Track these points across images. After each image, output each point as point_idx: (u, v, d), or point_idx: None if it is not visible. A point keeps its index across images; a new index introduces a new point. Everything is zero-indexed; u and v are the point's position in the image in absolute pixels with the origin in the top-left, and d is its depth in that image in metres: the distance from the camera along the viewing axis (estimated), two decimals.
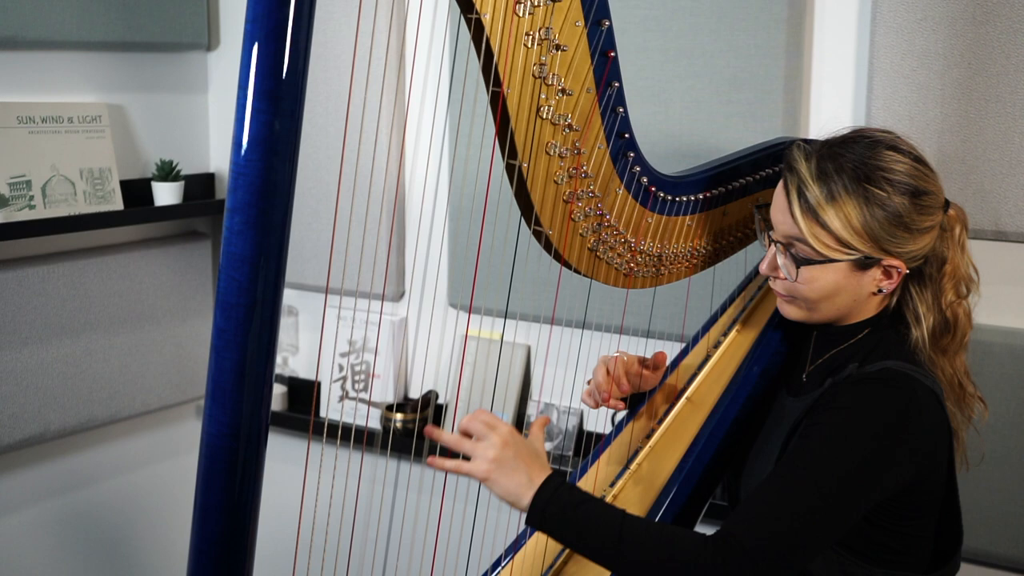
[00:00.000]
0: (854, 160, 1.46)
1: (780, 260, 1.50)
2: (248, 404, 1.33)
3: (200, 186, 3.05)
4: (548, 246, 1.57)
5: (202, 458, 1.35)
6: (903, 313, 1.55)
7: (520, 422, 2.69)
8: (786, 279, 1.50)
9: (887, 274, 1.49)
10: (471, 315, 2.70)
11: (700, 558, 1.34)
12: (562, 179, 1.52)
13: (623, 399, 1.74)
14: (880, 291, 1.50)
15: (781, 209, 1.49)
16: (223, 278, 1.31)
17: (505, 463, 1.41)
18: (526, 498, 1.40)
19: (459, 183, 2.59)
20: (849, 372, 1.48)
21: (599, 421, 2.58)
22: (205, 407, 1.34)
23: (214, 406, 1.33)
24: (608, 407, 1.73)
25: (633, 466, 1.66)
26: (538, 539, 1.64)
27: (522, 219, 1.54)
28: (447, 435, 1.46)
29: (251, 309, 1.31)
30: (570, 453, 2.59)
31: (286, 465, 2.84)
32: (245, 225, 1.29)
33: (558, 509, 1.39)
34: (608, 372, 1.71)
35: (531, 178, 1.50)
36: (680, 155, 2.16)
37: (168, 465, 3.13)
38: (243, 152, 1.29)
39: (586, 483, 1.68)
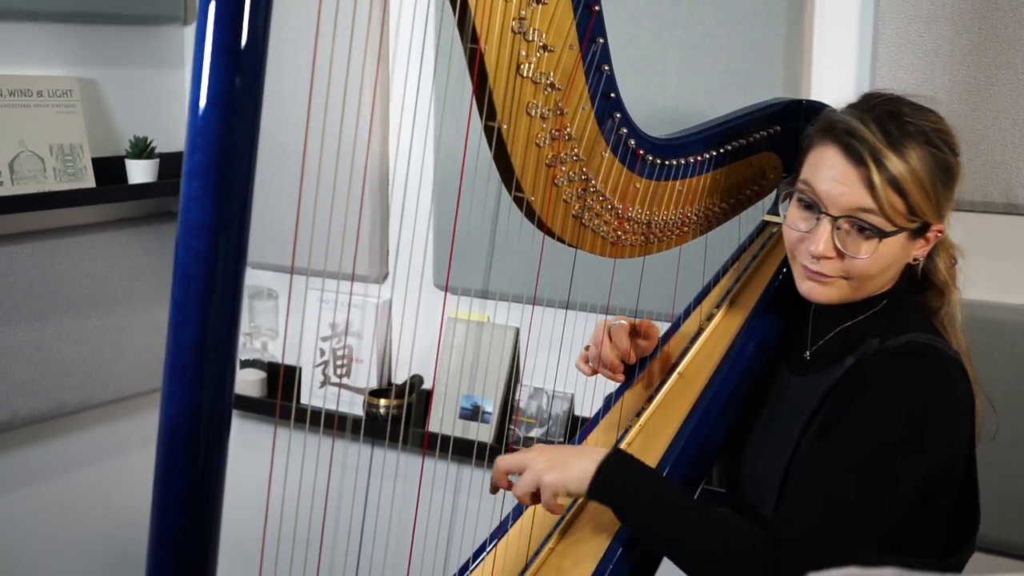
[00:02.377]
0: (912, 122, 1.41)
1: (842, 238, 1.42)
2: (210, 384, 1.27)
3: (176, 164, 2.97)
4: (530, 213, 1.52)
5: (160, 443, 1.29)
6: (922, 282, 1.52)
7: (508, 408, 2.64)
8: (845, 258, 1.42)
9: (926, 241, 1.46)
10: (450, 296, 2.67)
11: (752, 549, 1.33)
12: (544, 141, 1.47)
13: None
14: (916, 260, 1.47)
15: (842, 179, 1.41)
16: (180, 248, 1.25)
17: (554, 462, 1.44)
18: (591, 469, 1.42)
19: (446, 158, 2.54)
20: (873, 348, 1.44)
21: (591, 405, 2.52)
22: (163, 387, 1.28)
23: (172, 386, 1.27)
24: (609, 377, 1.69)
25: (623, 446, 1.61)
26: (522, 526, 1.59)
27: (505, 189, 1.49)
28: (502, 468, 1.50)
29: (211, 280, 1.25)
30: (561, 439, 2.54)
31: (267, 455, 2.80)
32: (203, 190, 1.24)
33: (621, 481, 1.41)
34: (611, 339, 1.68)
35: (511, 140, 1.44)
36: (674, 128, 2.10)
37: (143, 454, 3.07)
38: (200, 112, 1.23)
39: None
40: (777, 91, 2.14)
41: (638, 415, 1.65)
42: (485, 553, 1.59)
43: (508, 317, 2.62)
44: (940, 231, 1.45)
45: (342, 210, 2.61)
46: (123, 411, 3.03)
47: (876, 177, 1.38)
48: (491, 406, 2.61)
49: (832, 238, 1.42)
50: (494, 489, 1.52)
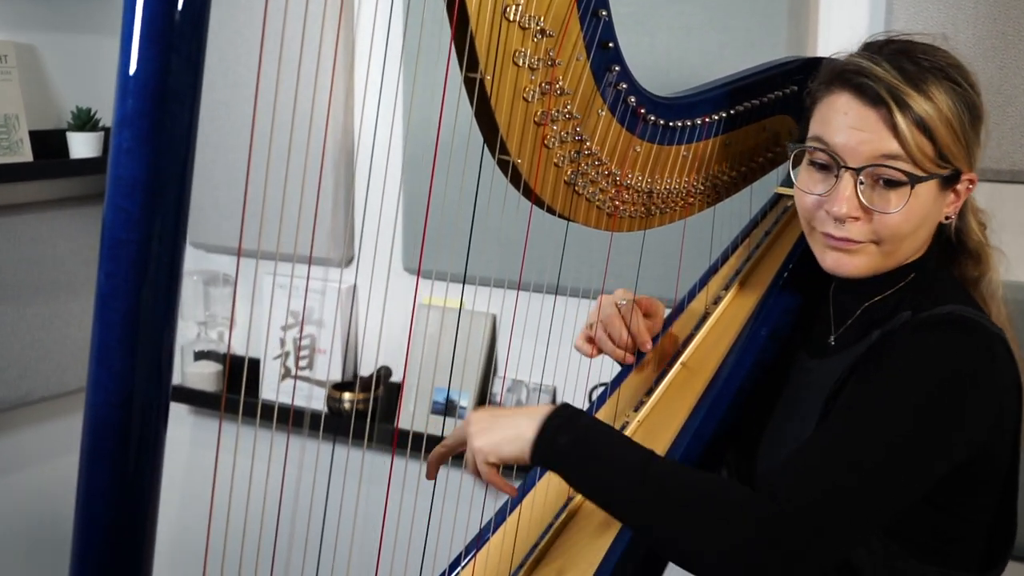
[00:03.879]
0: (927, 58, 1.28)
1: (866, 195, 1.27)
2: (143, 367, 1.11)
3: None
4: (516, 179, 1.36)
5: (85, 434, 1.13)
6: (957, 250, 1.39)
7: (485, 400, 2.48)
8: (875, 215, 1.27)
9: (956, 195, 1.32)
10: (421, 280, 2.52)
11: (736, 515, 1.15)
12: (533, 96, 1.32)
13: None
14: (947, 218, 1.33)
15: (862, 126, 1.26)
16: (109, 208, 1.09)
17: (486, 424, 1.28)
18: (532, 430, 1.24)
19: (417, 127, 2.37)
20: (903, 320, 1.29)
21: (574, 398, 2.37)
22: (88, 372, 1.12)
23: (99, 369, 1.11)
24: (618, 359, 1.56)
25: None
26: (504, 533, 1.44)
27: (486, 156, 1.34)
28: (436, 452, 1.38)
29: (145, 246, 1.09)
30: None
31: (225, 455, 2.63)
32: (136, 141, 1.08)
33: (569, 442, 1.23)
34: (623, 320, 1.54)
35: (495, 94, 1.29)
36: (667, 91, 1.96)
37: None
38: (133, 50, 1.08)
39: None
40: (780, 51, 2.00)
41: (636, 409, 1.49)
42: (462, 565, 1.44)
43: (489, 303, 2.47)
44: (972, 181, 1.32)
45: (302, 187, 2.45)
46: (65, 408, 2.88)
47: (899, 117, 1.24)
48: (466, 400, 2.45)
49: (856, 194, 1.27)
50: (429, 476, 1.39)
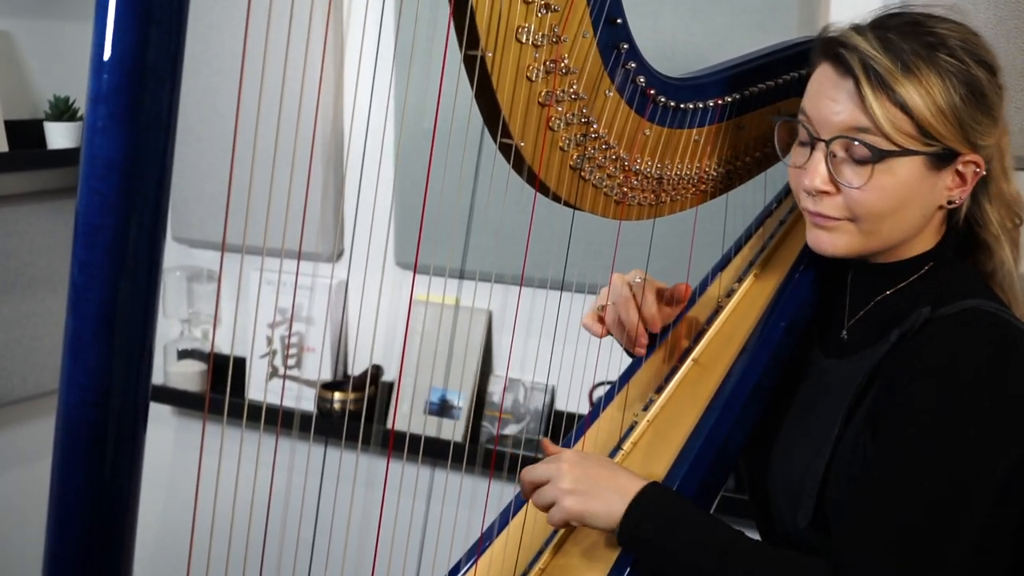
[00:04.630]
0: (917, 29, 1.24)
1: (837, 168, 1.25)
2: (120, 362, 1.05)
3: None
4: (519, 164, 1.30)
5: (58, 433, 1.06)
6: (971, 241, 1.33)
7: (480, 400, 2.42)
8: (844, 190, 1.25)
9: (960, 178, 1.26)
10: (414, 275, 2.46)
11: None
12: (537, 74, 1.26)
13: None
14: (950, 203, 1.28)
15: (835, 96, 1.24)
16: (83, 191, 1.03)
17: (583, 488, 1.26)
18: (620, 511, 1.24)
19: (411, 114, 2.31)
20: (923, 318, 1.23)
21: (572, 398, 2.31)
22: (62, 367, 1.05)
23: (73, 365, 1.04)
24: (627, 346, 1.50)
25: (627, 446, 1.40)
26: (508, 539, 1.37)
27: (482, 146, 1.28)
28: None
29: (122, 232, 1.02)
30: (540, 436, 2.33)
31: (210, 457, 2.56)
32: (112, 119, 1.02)
33: (654, 530, 1.23)
34: (634, 299, 1.49)
35: (496, 72, 1.23)
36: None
37: None
38: (109, 20, 1.01)
39: None
40: (791, 32, 1.94)
41: (645, 408, 1.43)
42: (464, 571, 1.38)
43: (489, 300, 2.42)
44: (978, 164, 1.26)
45: (290, 179, 2.38)
46: (41, 409, 2.81)
47: (867, 89, 1.21)
48: (462, 400, 2.39)
49: (827, 167, 1.25)
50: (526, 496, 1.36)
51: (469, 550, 1.40)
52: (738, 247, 1.56)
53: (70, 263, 1.07)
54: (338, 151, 2.56)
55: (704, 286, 1.55)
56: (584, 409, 2.26)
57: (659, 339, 1.50)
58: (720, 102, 1.41)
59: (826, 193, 1.26)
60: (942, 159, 1.24)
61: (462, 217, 2.22)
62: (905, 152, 1.22)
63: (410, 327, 2.48)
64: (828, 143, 1.25)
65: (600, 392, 2.28)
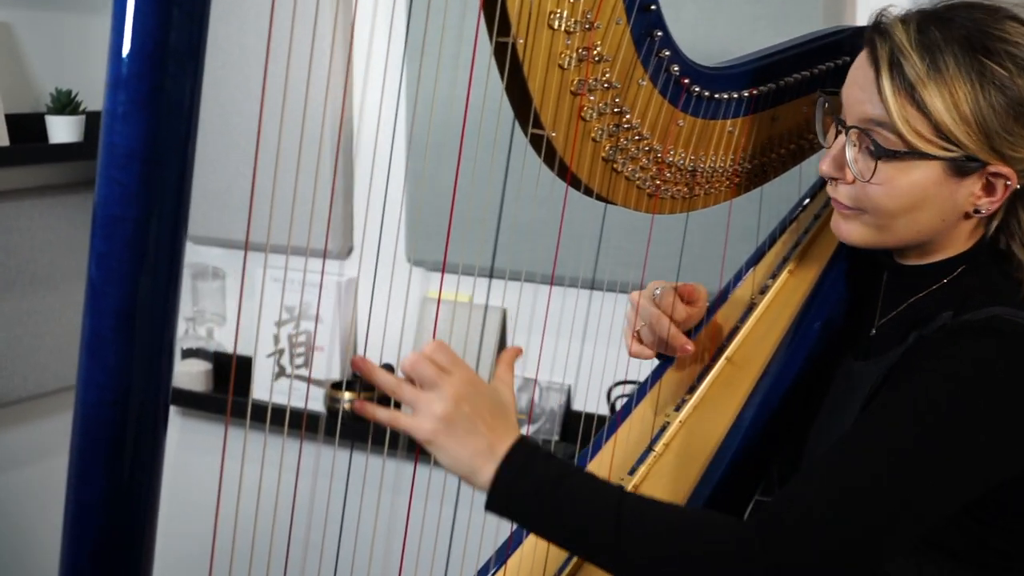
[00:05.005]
0: (968, 26, 1.17)
1: (850, 154, 1.21)
2: (140, 360, 1.01)
3: None
4: (550, 156, 1.27)
5: (75, 437, 1.03)
6: (1005, 248, 1.26)
7: None
8: (855, 181, 1.21)
9: (989, 189, 1.20)
10: (426, 272, 2.44)
11: (730, 545, 1.07)
12: (569, 62, 1.22)
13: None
14: (976, 212, 1.21)
15: (862, 84, 1.20)
16: (102, 182, 0.99)
17: (456, 422, 1.11)
18: (485, 472, 1.11)
19: (423, 110, 2.27)
20: (942, 322, 1.19)
21: (589, 399, 2.27)
22: (80, 366, 1.02)
23: (91, 364, 1.01)
24: (673, 353, 1.45)
25: (659, 447, 1.37)
26: (536, 544, 1.34)
27: (521, 149, 1.24)
28: (381, 377, 1.18)
29: (143, 225, 0.99)
30: (556, 438, 2.29)
31: (211, 458, 2.53)
32: (134, 104, 0.99)
33: (529, 488, 1.11)
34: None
35: (528, 60, 1.20)
36: None
37: (65, 461, 2.79)
38: (130, 3, 0.98)
39: (596, 470, 1.37)
40: (816, 24, 1.90)
41: (677, 408, 1.39)
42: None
43: (504, 297, 2.38)
44: (1005, 176, 1.18)
45: (296, 173, 2.34)
46: (43, 409, 2.76)
47: (885, 81, 1.17)
48: None
49: (842, 154, 1.23)
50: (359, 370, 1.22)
51: (499, 548, 1.37)
52: (772, 241, 1.52)
53: (88, 256, 1.04)
54: (347, 145, 2.52)
55: (738, 279, 1.51)
56: (603, 410, 2.22)
57: (691, 337, 1.47)
58: (755, 92, 1.38)
59: (840, 180, 1.24)
60: (964, 167, 1.18)
61: (475, 213, 2.18)
62: (918, 155, 1.17)
63: (422, 325, 2.45)
64: (848, 130, 1.22)
65: (619, 392, 2.24)
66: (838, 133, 1.24)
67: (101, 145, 0.99)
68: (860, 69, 1.22)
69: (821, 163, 1.26)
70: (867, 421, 1.15)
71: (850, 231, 1.25)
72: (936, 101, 1.15)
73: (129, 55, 0.97)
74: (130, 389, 1.01)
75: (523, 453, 1.12)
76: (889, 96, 1.16)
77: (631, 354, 1.47)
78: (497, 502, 1.11)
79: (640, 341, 1.46)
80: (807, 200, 1.55)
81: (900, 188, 1.19)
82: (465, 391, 1.13)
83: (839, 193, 1.25)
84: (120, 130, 0.99)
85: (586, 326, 2.26)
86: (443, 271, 2.37)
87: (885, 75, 1.17)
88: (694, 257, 1.62)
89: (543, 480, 1.11)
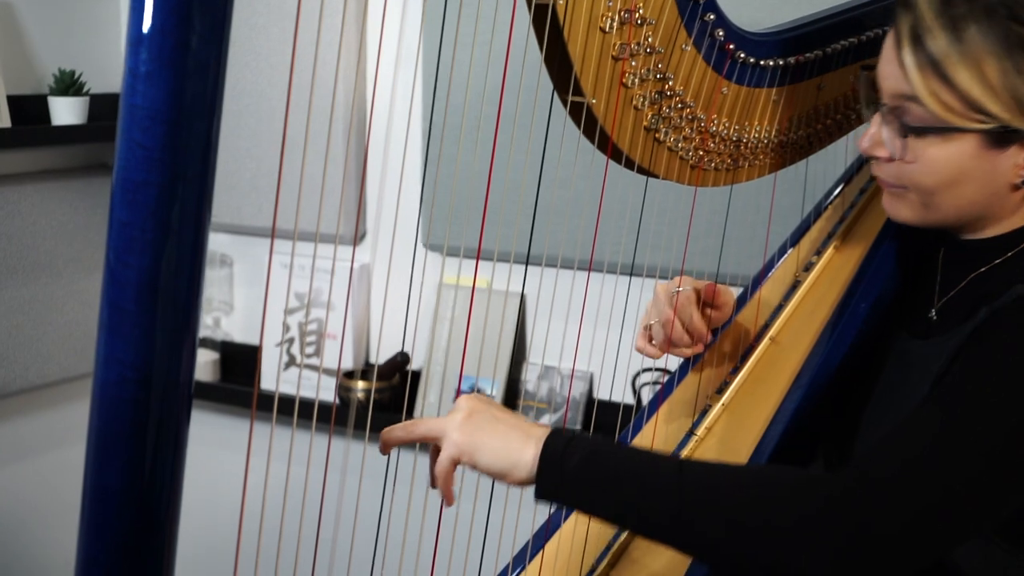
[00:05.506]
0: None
1: (885, 132, 1.18)
2: (163, 335, 0.95)
3: (110, 107, 2.66)
4: (591, 126, 1.22)
5: (94, 418, 0.97)
6: None
7: (514, 389, 2.33)
8: (891, 158, 1.18)
9: None
10: (441, 257, 2.37)
11: (808, 498, 1.02)
12: (610, 25, 1.17)
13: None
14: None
15: (888, 59, 1.17)
16: (123, 146, 0.93)
17: (480, 417, 1.12)
18: (527, 455, 1.08)
19: (441, 88, 2.21)
20: (1016, 295, 1.14)
21: (617, 388, 2.22)
22: (98, 343, 0.96)
23: (111, 340, 0.95)
24: (683, 355, 1.40)
25: (701, 431, 1.32)
26: (576, 525, 1.28)
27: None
28: (399, 431, 1.18)
29: (167, 190, 0.94)
30: (578, 427, 2.24)
31: (219, 451, 2.47)
32: (156, 63, 0.93)
33: (581, 460, 1.06)
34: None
35: (568, 22, 1.15)
36: None
37: (70, 453, 2.75)
38: None
39: None
40: None
41: (719, 391, 1.34)
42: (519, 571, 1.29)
43: (524, 283, 2.32)
44: None
45: (309, 156, 2.29)
46: (47, 400, 2.70)
47: (907, 55, 1.13)
48: (494, 389, 2.30)
49: (878, 132, 1.19)
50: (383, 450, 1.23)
51: (537, 531, 1.31)
52: (817, 213, 1.47)
53: (107, 225, 0.98)
54: (360, 126, 2.46)
55: (782, 256, 1.46)
56: (628, 398, 2.17)
57: (724, 325, 1.41)
58: (801, 59, 1.33)
59: (880, 157, 1.20)
60: (1002, 137, 1.13)
61: (495, 195, 2.13)
62: (951, 129, 1.12)
63: (439, 313, 2.39)
64: (881, 106, 1.18)
65: (645, 380, 2.19)
66: (875, 110, 1.20)
67: (122, 107, 0.94)
68: (887, 47, 1.18)
69: (860, 141, 1.22)
70: (953, 391, 1.10)
71: (898, 209, 1.22)
72: (963, 75, 1.10)
73: (153, 10, 0.92)
74: (153, 366, 0.95)
75: (563, 433, 1.09)
76: (914, 71, 1.12)
77: (637, 349, 1.43)
78: (547, 481, 1.07)
79: (650, 339, 1.41)
80: (853, 172, 1.50)
81: (937, 164, 1.15)
82: (476, 402, 1.14)
83: (882, 171, 1.21)
84: (142, 91, 0.93)
85: (611, 312, 2.21)
86: (463, 257, 2.32)
87: (907, 50, 1.13)
88: (732, 237, 1.57)
89: (593, 452, 1.07)
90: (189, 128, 0.93)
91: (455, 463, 1.11)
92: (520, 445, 1.08)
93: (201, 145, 0.95)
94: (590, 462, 1.06)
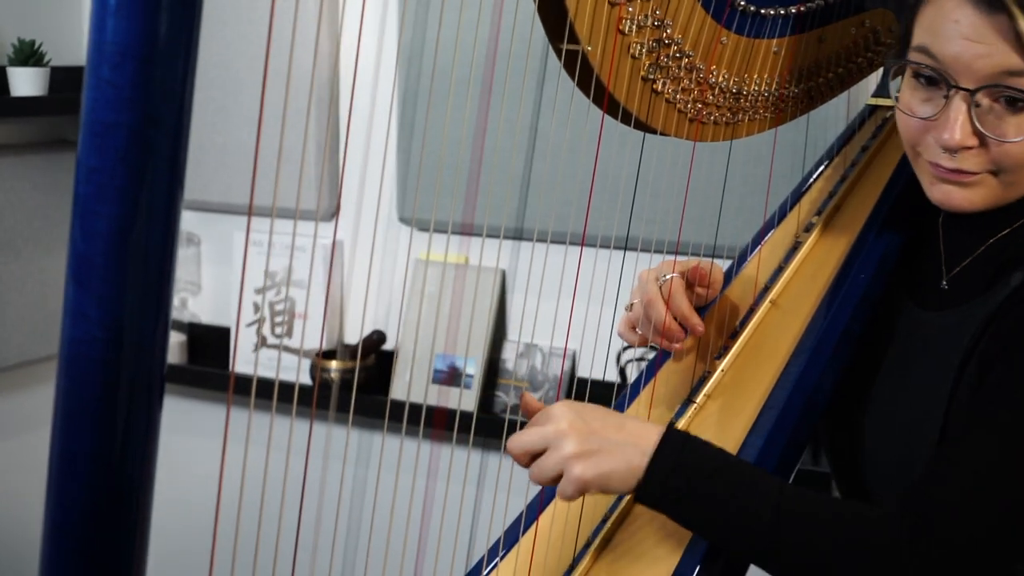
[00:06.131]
0: None
1: (982, 118, 1.09)
2: (135, 290, 0.89)
3: (72, 81, 2.58)
4: (586, 76, 1.16)
5: (61, 377, 0.91)
6: None
7: (494, 368, 2.28)
8: (990, 143, 1.09)
9: None
10: (418, 232, 2.30)
11: (885, 542, 1.03)
12: None
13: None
14: None
15: (986, 36, 1.07)
16: (90, 83, 0.87)
17: (595, 443, 1.09)
18: (644, 468, 1.08)
19: (415, 56, 2.15)
20: None
21: (597, 364, 2.17)
22: (65, 297, 0.89)
23: (79, 294, 0.89)
24: (665, 347, 1.33)
25: (700, 398, 1.27)
26: (554, 517, 1.23)
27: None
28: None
29: (138, 132, 0.87)
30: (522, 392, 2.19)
31: (188, 437, 2.41)
32: None
33: (684, 481, 1.07)
34: (663, 299, 1.32)
35: None
36: None
37: (29, 438, 2.67)
38: None
39: None
40: None
41: (718, 357, 1.29)
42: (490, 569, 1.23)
43: (499, 258, 2.26)
44: None
45: (278, 128, 2.22)
46: (5, 384, 2.63)
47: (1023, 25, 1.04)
48: (473, 367, 2.24)
49: (971, 120, 1.09)
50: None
51: (531, 512, 1.26)
52: (818, 172, 1.43)
53: (74, 171, 0.92)
54: (331, 96, 2.40)
55: (783, 212, 1.42)
56: (611, 376, 2.12)
57: (732, 277, 1.37)
58: (801, 9, 1.28)
59: (968, 148, 1.10)
60: None
61: (471, 167, 2.07)
62: None
63: (414, 289, 2.33)
64: (974, 92, 1.08)
65: (629, 356, 2.14)
66: (947, 99, 1.10)
67: (89, 44, 0.87)
68: (965, 20, 1.08)
69: (944, 135, 1.10)
70: (995, 396, 1.07)
71: (970, 198, 1.14)
72: None
73: None
74: (123, 323, 0.88)
75: (672, 444, 1.09)
76: None
77: (618, 334, 1.39)
78: (647, 497, 1.09)
79: (633, 328, 1.35)
80: (855, 128, 1.46)
81: None
82: (573, 417, 1.10)
83: (966, 162, 1.11)
84: (112, 26, 0.86)
85: (592, 287, 2.17)
86: (436, 230, 2.26)
87: (1021, 19, 1.04)
88: (729, 206, 1.52)
89: (695, 471, 1.07)
90: (163, 65, 0.87)
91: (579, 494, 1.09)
92: (639, 462, 1.08)
93: (176, 86, 0.88)
94: (693, 487, 1.07)
